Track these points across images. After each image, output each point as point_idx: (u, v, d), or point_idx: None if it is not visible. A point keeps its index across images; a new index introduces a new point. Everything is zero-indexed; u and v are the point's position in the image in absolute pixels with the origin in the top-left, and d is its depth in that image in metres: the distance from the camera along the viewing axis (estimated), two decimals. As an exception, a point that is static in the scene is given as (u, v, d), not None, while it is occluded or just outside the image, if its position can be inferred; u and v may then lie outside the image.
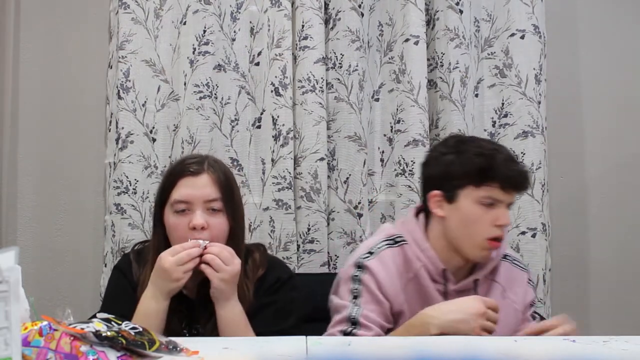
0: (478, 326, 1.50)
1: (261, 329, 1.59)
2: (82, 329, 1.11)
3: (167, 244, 1.64)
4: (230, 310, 1.58)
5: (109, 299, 1.76)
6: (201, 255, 1.55)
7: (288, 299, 1.69)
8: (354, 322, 1.60)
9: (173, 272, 1.53)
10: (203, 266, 1.55)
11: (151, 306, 1.56)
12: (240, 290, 1.61)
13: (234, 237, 1.66)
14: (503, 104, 2.38)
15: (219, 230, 1.62)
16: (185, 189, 1.62)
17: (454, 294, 1.66)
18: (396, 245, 1.70)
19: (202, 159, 1.68)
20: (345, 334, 1.60)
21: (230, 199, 1.65)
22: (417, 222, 1.72)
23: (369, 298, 1.63)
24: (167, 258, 1.54)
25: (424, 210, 1.73)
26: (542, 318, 1.84)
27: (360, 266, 1.66)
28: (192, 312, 1.66)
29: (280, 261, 1.88)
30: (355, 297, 1.64)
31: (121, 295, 1.69)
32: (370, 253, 1.68)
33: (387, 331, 1.64)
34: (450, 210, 1.65)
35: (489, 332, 1.52)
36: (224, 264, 1.55)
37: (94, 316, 1.24)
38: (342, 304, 1.65)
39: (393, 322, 1.66)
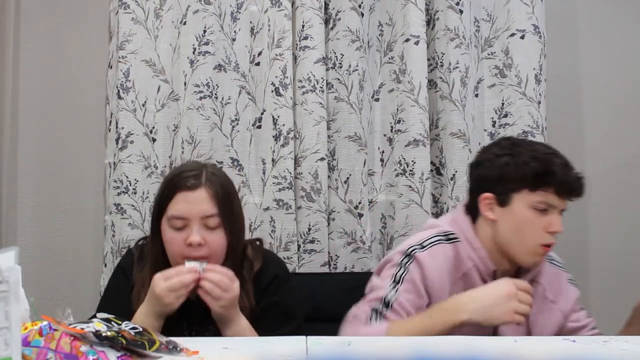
0: (511, 309, 1.47)
1: (265, 333, 1.58)
2: (82, 329, 1.11)
3: (165, 256, 1.62)
4: (235, 328, 1.56)
5: (107, 297, 1.76)
6: (199, 279, 1.52)
7: (290, 301, 1.68)
8: (387, 304, 1.59)
9: (165, 298, 1.50)
10: (201, 292, 1.52)
11: (146, 323, 1.51)
12: (240, 299, 1.58)
13: (232, 251, 1.63)
14: (503, 104, 2.38)
15: (217, 246, 1.59)
16: (182, 204, 1.57)
17: None
18: (448, 242, 1.65)
19: (199, 171, 1.62)
20: (375, 311, 1.59)
21: (228, 213, 1.61)
22: (468, 221, 1.68)
23: (409, 288, 1.60)
24: (159, 283, 1.50)
25: (471, 210, 1.69)
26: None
27: (409, 255, 1.62)
28: (191, 312, 1.64)
29: (276, 257, 1.85)
30: (396, 282, 1.60)
31: (120, 295, 1.68)
32: (422, 246, 1.63)
33: None
34: (503, 214, 1.61)
35: (524, 315, 1.49)
36: (224, 290, 1.51)
37: (94, 316, 1.24)
38: (380, 285, 1.63)
39: None
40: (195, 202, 1.57)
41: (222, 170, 1.74)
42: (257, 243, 1.77)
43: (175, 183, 1.60)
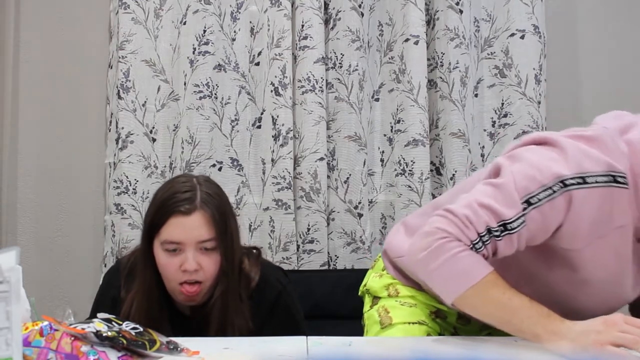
0: (610, 337, 1.20)
1: None
2: (83, 329, 1.11)
3: (159, 279, 1.55)
4: None
5: (94, 310, 1.67)
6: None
7: (293, 322, 1.61)
8: (506, 230, 1.25)
9: None
10: None
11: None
12: (238, 319, 1.54)
13: (226, 271, 1.55)
14: (503, 104, 2.38)
15: (213, 269, 1.53)
16: (176, 228, 1.49)
17: None
18: (615, 185, 1.27)
19: (193, 192, 1.52)
20: (489, 233, 1.26)
21: (224, 235, 1.53)
22: None
23: (540, 221, 1.26)
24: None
25: None
26: None
27: (565, 185, 1.25)
28: (186, 328, 1.58)
29: (273, 269, 1.73)
30: (530, 205, 1.25)
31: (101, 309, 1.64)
32: (585, 182, 1.25)
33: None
34: None
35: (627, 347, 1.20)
36: None
37: (94, 316, 1.24)
38: (512, 197, 1.26)
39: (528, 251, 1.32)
40: (191, 228, 1.49)
41: (215, 185, 1.63)
42: (255, 252, 1.68)
43: (168, 207, 1.51)
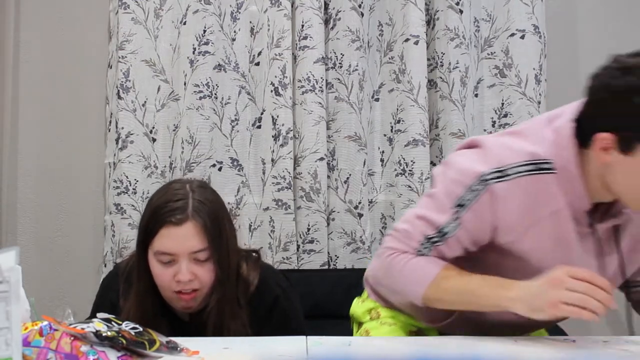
0: (555, 299, 1.21)
1: None
2: (83, 329, 1.11)
3: (155, 289, 1.52)
4: None
5: (92, 313, 1.64)
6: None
7: (293, 323, 1.59)
8: (443, 236, 1.34)
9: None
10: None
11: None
12: (235, 324, 1.52)
13: (220, 282, 1.51)
14: (503, 104, 2.38)
15: (208, 278, 1.49)
16: (168, 240, 1.45)
17: (591, 238, 1.35)
18: (540, 172, 1.29)
19: (185, 202, 1.47)
20: (428, 240, 1.35)
21: (217, 244, 1.48)
22: (575, 147, 1.31)
23: (472, 221, 1.32)
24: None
25: (581, 133, 1.32)
26: None
27: (485, 181, 1.30)
28: (186, 331, 1.53)
29: (273, 272, 1.68)
30: (460, 207, 1.32)
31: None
32: (505, 174, 1.29)
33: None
34: (623, 161, 1.26)
35: (578, 306, 1.21)
36: None
37: (94, 316, 1.24)
38: (442, 203, 1.34)
39: (483, 250, 1.38)
40: (183, 239, 1.45)
41: (210, 190, 1.58)
42: (254, 255, 1.64)
43: (160, 216, 1.47)
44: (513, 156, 1.31)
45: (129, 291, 1.56)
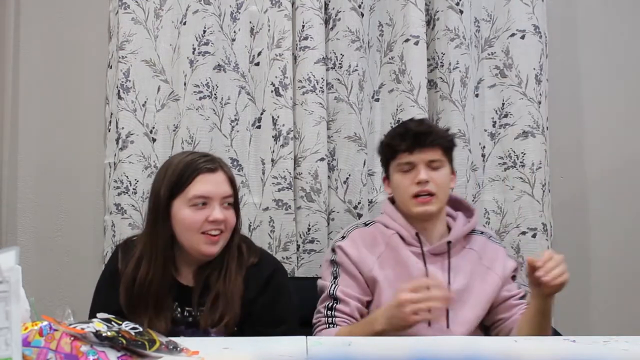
0: (407, 315, 1.52)
1: (255, 331, 1.60)
2: (83, 329, 1.11)
3: (174, 238, 1.68)
4: None
5: (96, 292, 1.78)
6: None
7: (285, 302, 1.71)
8: (335, 298, 1.78)
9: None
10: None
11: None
12: (231, 283, 1.66)
13: (237, 231, 1.74)
14: (503, 104, 2.38)
15: (232, 224, 1.70)
16: (205, 185, 1.66)
17: (430, 256, 1.81)
18: (366, 226, 1.89)
19: (211, 156, 1.73)
20: (329, 309, 1.77)
21: (237, 195, 1.74)
22: (389, 202, 1.93)
23: (345, 276, 1.81)
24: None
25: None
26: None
27: (334, 249, 1.85)
28: (186, 296, 1.69)
29: (272, 255, 1.93)
30: (335, 278, 1.82)
31: (104, 288, 1.75)
32: (342, 237, 1.87)
33: (367, 304, 1.80)
34: (392, 186, 1.88)
35: (429, 310, 1.54)
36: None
37: (94, 316, 1.24)
38: (324, 285, 1.82)
39: (371, 293, 1.80)
40: (218, 183, 1.68)
41: None
42: (247, 240, 1.82)
43: (196, 166, 1.68)
44: (346, 228, 1.91)
45: (130, 255, 1.71)
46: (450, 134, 1.91)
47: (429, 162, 1.79)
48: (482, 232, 1.92)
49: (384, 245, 1.83)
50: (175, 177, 1.68)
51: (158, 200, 1.68)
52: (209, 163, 1.69)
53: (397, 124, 2.00)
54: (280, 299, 1.70)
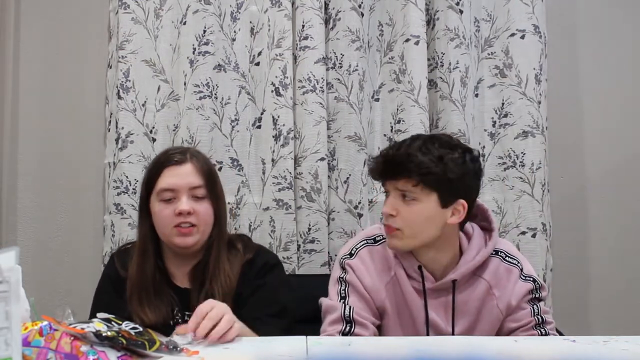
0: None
1: (250, 315, 1.58)
2: (83, 329, 1.11)
3: (154, 233, 1.70)
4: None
5: (95, 300, 1.78)
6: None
7: (275, 283, 1.72)
8: (349, 321, 1.60)
9: None
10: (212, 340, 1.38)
11: None
12: (223, 280, 1.66)
13: (219, 222, 1.71)
14: (503, 104, 2.38)
15: (205, 215, 1.67)
16: (170, 177, 1.66)
17: (431, 293, 1.62)
18: (375, 244, 1.70)
19: (184, 149, 1.74)
20: (344, 334, 1.58)
21: (213, 186, 1.70)
22: None
23: (356, 297, 1.64)
24: None
25: None
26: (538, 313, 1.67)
27: (343, 267, 1.69)
28: (184, 300, 1.68)
29: (267, 250, 1.89)
30: (343, 298, 1.65)
31: (103, 296, 1.75)
32: (351, 254, 1.69)
33: (377, 328, 1.64)
34: None
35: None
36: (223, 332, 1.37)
37: (94, 316, 1.24)
38: (332, 305, 1.65)
39: (379, 317, 1.65)
40: (183, 175, 1.67)
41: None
42: (245, 238, 1.82)
43: (162, 161, 1.70)
44: (354, 240, 1.74)
45: (127, 260, 1.72)
46: (440, 166, 1.54)
47: (402, 192, 1.57)
48: (497, 252, 1.67)
49: (392, 272, 1.66)
50: (147, 173, 1.72)
51: (140, 198, 1.72)
52: (177, 155, 1.69)
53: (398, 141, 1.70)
54: (277, 291, 1.71)
